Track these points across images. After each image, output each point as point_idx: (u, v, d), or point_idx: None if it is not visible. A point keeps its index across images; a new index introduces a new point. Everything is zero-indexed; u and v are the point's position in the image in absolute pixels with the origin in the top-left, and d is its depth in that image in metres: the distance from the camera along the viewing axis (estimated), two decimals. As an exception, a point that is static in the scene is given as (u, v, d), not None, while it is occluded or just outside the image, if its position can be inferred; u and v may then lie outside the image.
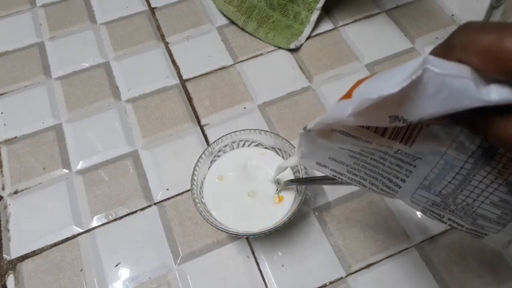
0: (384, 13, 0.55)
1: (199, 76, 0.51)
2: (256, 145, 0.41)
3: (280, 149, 0.40)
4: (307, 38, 0.53)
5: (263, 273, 0.38)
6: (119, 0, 0.58)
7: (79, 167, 0.45)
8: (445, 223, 0.25)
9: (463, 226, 0.25)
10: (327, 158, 0.26)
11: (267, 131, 0.40)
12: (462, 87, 0.15)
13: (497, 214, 0.22)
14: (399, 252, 0.39)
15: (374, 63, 0.50)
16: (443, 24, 0.53)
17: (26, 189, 0.43)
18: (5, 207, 0.43)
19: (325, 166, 0.27)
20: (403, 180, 0.25)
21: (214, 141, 0.40)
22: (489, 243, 0.25)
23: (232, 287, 0.38)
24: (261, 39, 0.53)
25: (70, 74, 0.51)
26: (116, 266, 0.39)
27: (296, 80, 0.50)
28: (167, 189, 0.43)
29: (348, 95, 0.20)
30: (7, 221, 0.42)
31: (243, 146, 0.41)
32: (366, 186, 0.27)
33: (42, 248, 0.40)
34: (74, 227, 0.41)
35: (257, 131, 0.40)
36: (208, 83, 0.50)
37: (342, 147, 0.24)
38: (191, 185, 0.37)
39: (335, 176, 0.27)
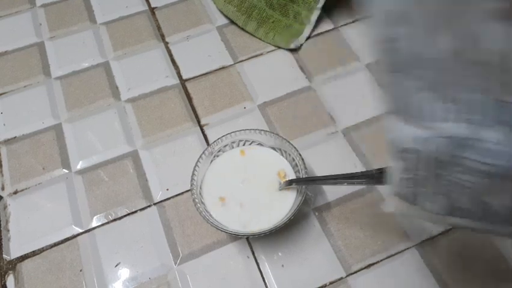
0: (384, 13, 0.55)
1: (199, 76, 0.51)
2: (257, 145, 0.41)
3: (280, 149, 0.40)
4: (307, 38, 0.53)
5: (263, 273, 0.38)
6: (119, 0, 0.58)
7: (78, 167, 0.45)
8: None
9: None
10: None
11: (267, 131, 0.40)
12: None
13: None
14: (399, 252, 0.39)
15: (374, 63, 0.50)
16: (443, 24, 0.53)
17: (26, 189, 0.43)
18: (5, 207, 0.42)
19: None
20: None
21: (214, 141, 0.39)
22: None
23: (232, 287, 0.38)
24: (261, 39, 0.53)
25: (69, 74, 0.51)
26: (116, 266, 0.39)
27: (296, 80, 0.50)
28: (167, 189, 0.43)
29: None
30: (7, 221, 0.42)
31: (243, 145, 0.41)
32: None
33: (42, 248, 0.40)
34: (74, 227, 0.41)
35: (257, 131, 0.40)
36: (208, 83, 0.50)
37: None
38: (191, 185, 0.37)
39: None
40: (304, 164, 0.38)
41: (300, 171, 0.38)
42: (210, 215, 0.37)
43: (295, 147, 0.39)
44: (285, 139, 0.39)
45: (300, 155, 0.38)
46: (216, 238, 0.40)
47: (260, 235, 0.36)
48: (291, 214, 0.36)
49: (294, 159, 0.39)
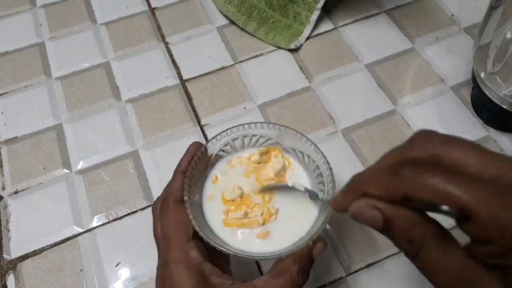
0: (384, 13, 0.55)
1: (199, 76, 0.51)
2: (257, 140, 0.35)
3: (294, 150, 0.34)
4: (307, 38, 0.53)
5: (263, 273, 0.38)
6: (120, 0, 0.58)
7: (79, 167, 0.45)
8: None
9: None
10: None
11: (263, 123, 0.34)
12: None
13: None
14: (399, 252, 0.39)
15: (374, 63, 0.51)
16: (442, 24, 0.53)
17: (27, 189, 0.43)
18: (6, 207, 0.43)
19: None
20: None
21: (210, 140, 0.34)
22: None
23: (232, 286, 0.38)
24: (261, 40, 0.53)
25: (70, 74, 0.51)
26: (116, 265, 0.39)
27: (296, 80, 0.50)
28: (168, 189, 0.43)
29: None
30: (7, 221, 0.42)
31: (242, 144, 0.35)
32: None
33: (43, 247, 0.40)
34: (75, 226, 0.41)
35: (258, 125, 0.34)
36: (208, 83, 0.50)
37: None
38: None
39: None
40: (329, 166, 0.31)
41: (326, 184, 0.30)
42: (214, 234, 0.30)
43: (315, 146, 0.32)
44: (289, 128, 0.32)
45: (321, 153, 0.31)
46: (216, 238, 0.40)
47: (273, 258, 0.28)
48: (312, 236, 0.27)
49: (314, 161, 0.32)
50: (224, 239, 0.30)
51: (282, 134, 0.33)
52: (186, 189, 0.31)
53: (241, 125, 0.33)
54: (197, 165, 0.32)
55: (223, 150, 0.34)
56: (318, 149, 0.31)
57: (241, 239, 0.30)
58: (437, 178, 0.19)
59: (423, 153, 0.21)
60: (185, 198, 0.30)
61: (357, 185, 0.23)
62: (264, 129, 0.34)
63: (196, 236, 0.29)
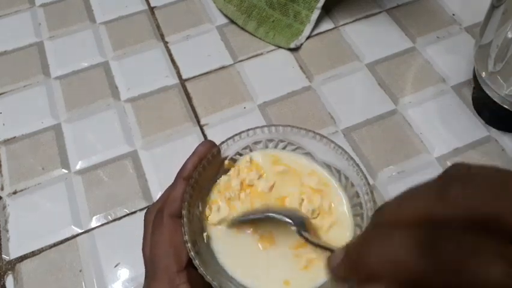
0: (385, 12, 0.55)
1: (198, 76, 0.50)
2: (284, 147, 0.30)
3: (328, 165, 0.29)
4: (308, 38, 0.52)
5: (263, 274, 0.38)
6: (119, -1, 0.58)
7: (78, 167, 0.44)
8: None
9: None
10: None
11: (296, 127, 0.29)
12: None
13: None
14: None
15: (375, 62, 0.50)
16: (443, 23, 0.53)
17: (25, 189, 0.43)
18: (4, 207, 0.42)
19: None
20: None
21: (225, 141, 0.30)
22: None
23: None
24: (261, 39, 0.53)
25: (69, 74, 0.51)
26: (115, 266, 0.39)
27: (296, 80, 0.49)
28: (167, 190, 0.43)
29: None
30: (6, 222, 0.42)
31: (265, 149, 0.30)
32: None
33: (42, 248, 0.40)
34: (73, 227, 0.41)
35: (288, 128, 0.29)
36: (207, 82, 0.50)
37: None
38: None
39: None
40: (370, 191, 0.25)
41: (363, 202, 0.25)
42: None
43: (354, 161, 0.26)
44: (304, 129, 0.28)
45: (362, 172, 0.26)
46: (216, 238, 0.40)
47: None
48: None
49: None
50: (229, 270, 0.25)
51: (317, 145, 0.28)
52: (186, 201, 0.26)
53: (267, 126, 0.29)
54: (205, 170, 0.28)
55: (240, 154, 0.30)
56: (358, 166, 0.26)
57: (253, 273, 0.24)
58: None
59: None
60: (184, 212, 0.26)
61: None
62: (296, 136, 0.28)
63: (191, 264, 0.24)
